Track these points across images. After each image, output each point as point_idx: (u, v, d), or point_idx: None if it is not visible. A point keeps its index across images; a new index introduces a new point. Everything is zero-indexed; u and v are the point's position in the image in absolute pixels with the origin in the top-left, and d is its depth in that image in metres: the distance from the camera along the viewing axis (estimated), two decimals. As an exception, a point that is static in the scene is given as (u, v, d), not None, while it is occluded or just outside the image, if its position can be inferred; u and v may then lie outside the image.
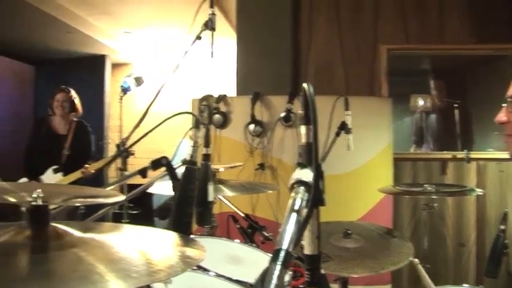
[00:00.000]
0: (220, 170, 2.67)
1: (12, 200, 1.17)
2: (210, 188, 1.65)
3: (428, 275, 2.47)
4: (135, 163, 2.39)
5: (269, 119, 3.84)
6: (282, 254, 0.80)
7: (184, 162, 1.69)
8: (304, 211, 0.93)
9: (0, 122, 7.68)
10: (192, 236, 1.90)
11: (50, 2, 5.70)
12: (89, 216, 1.91)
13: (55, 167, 4.55)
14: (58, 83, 5.34)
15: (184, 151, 1.72)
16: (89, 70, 8.05)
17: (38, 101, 7.86)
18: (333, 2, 4.44)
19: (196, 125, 1.73)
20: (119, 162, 2.37)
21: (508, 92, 1.66)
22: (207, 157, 1.69)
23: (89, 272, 0.92)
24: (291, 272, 1.91)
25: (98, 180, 6.26)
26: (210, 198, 1.65)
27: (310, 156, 1.01)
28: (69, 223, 1.14)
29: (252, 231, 2.64)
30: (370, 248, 2.25)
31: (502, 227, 2.59)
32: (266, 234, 2.62)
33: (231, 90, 4.33)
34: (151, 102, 2.39)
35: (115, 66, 8.54)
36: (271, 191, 3.16)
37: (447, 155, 4.31)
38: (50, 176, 4.52)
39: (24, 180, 4.38)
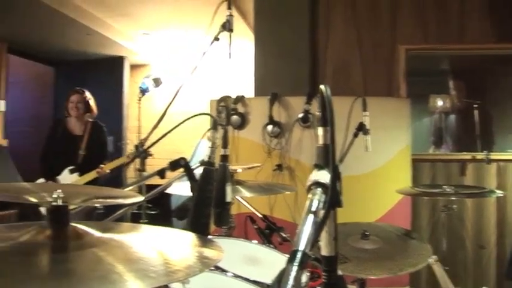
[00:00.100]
0: (238, 170, 2.68)
1: (33, 200, 1.19)
2: (228, 188, 1.65)
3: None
4: (154, 164, 2.41)
5: (287, 120, 3.84)
6: (299, 255, 0.80)
7: (202, 163, 1.70)
8: (321, 212, 0.93)
9: (21, 123, 7.77)
10: (210, 236, 1.91)
11: (69, 4, 5.76)
12: (107, 216, 1.93)
13: (71, 167, 4.61)
14: (77, 84, 5.39)
15: (202, 152, 1.72)
16: (108, 71, 8.12)
17: (58, 102, 7.92)
18: (350, 2, 4.43)
19: (214, 126, 1.74)
20: (137, 162, 2.39)
21: None
22: (225, 158, 1.70)
23: (108, 272, 0.92)
24: (308, 273, 1.91)
25: (116, 180, 6.31)
26: (228, 199, 1.65)
27: (327, 157, 1.01)
28: (89, 223, 1.15)
29: (270, 232, 2.64)
30: (388, 249, 2.24)
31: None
32: (284, 235, 2.61)
33: (249, 91, 4.34)
34: (170, 103, 2.40)
35: (133, 67, 8.60)
36: (289, 192, 3.15)
37: (467, 156, 4.28)
38: (66, 177, 4.57)
39: (41, 180, 4.43)
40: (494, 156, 4.04)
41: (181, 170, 1.77)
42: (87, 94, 4.86)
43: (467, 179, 4.21)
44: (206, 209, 1.60)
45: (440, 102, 4.80)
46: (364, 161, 3.64)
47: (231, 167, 1.80)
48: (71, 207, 1.13)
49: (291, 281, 0.75)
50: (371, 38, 4.40)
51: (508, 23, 4.22)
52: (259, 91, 4.30)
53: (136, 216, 3.61)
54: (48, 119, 7.28)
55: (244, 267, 2.00)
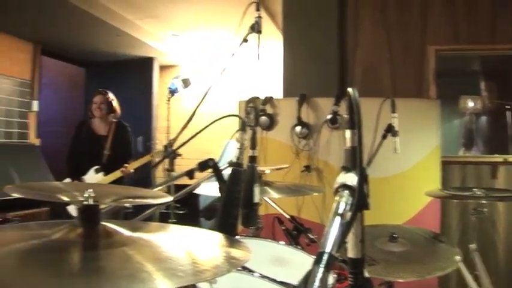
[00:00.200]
0: (266, 171, 2.68)
1: (65, 198, 1.21)
2: (256, 189, 1.66)
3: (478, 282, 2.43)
4: (182, 164, 2.43)
5: (315, 121, 3.83)
6: (325, 256, 0.80)
7: (230, 164, 1.71)
8: (348, 215, 0.93)
9: (53, 123, 7.91)
10: (237, 237, 1.91)
11: (100, 6, 5.85)
12: (136, 215, 1.95)
13: (96, 167, 4.69)
14: (107, 85, 5.47)
15: (231, 152, 1.73)
16: (137, 72, 8.21)
17: (88, 103, 8.05)
18: (379, 3, 4.40)
19: (243, 127, 1.75)
20: (166, 163, 2.41)
21: None
22: (253, 159, 1.71)
23: (137, 271, 0.94)
24: (335, 275, 1.90)
25: (145, 181, 6.38)
26: (256, 199, 1.66)
27: (354, 160, 1.01)
28: (118, 222, 1.17)
29: (297, 233, 2.64)
30: (416, 252, 2.22)
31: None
32: (311, 236, 2.60)
33: (277, 92, 4.34)
34: (199, 104, 2.42)
35: (163, 68, 8.68)
36: (316, 193, 3.15)
37: (498, 158, 4.21)
38: (92, 176, 4.65)
39: (67, 180, 4.51)
40: (527, 158, 3.97)
41: (210, 170, 1.79)
42: (110, 95, 4.93)
43: (499, 182, 4.13)
44: (234, 209, 1.61)
45: (471, 104, 4.73)
46: (393, 163, 3.61)
47: (259, 168, 1.81)
48: (101, 206, 1.15)
49: (317, 283, 0.75)
50: (400, 39, 4.36)
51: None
52: (287, 92, 4.30)
53: (165, 215, 3.64)
54: (79, 119, 7.40)
55: (271, 268, 2.00)
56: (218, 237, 1.29)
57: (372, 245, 2.22)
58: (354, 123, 1.02)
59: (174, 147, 2.35)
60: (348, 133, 1.03)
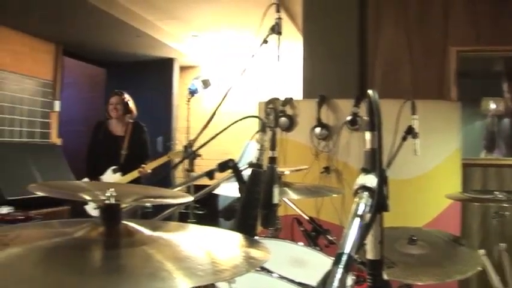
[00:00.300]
0: (285, 172, 2.69)
1: (87, 197, 1.23)
2: (275, 190, 1.66)
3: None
4: (202, 164, 2.45)
5: (335, 122, 3.82)
6: (344, 257, 0.81)
7: (250, 164, 1.71)
8: (368, 216, 0.93)
9: (74, 123, 7.99)
10: (256, 237, 1.92)
11: (120, 7, 5.90)
12: (156, 215, 1.96)
13: (114, 167, 4.73)
14: (127, 85, 5.52)
15: (251, 153, 1.74)
16: (157, 73, 8.26)
17: (108, 103, 8.13)
18: (400, 3, 4.37)
19: (263, 128, 1.75)
20: (186, 163, 2.42)
21: None
22: (273, 160, 1.71)
23: (158, 269, 0.95)
24: (353, 277, 1.90)
25: (165, 181, 6.41)
26: (275, 200, 1.67)
27: (374, 162, 1.01)
28: (139, 221, 1.18)
29: (316, 234, 2.63)
30: (435, 255, 2.20)
31: None
32: (330, 237, 2.60)
33: (297, 93, 4.34)
34: (219, 105, 2.43)
35: (183, 68, 8.72)
36: (336, 195, 3.14)
37: (520, 161, 4.16)
38: (110, 176, 4.70)
39: (85, 180, 4.55)
40: (550, 161, 3.92)
41: (230, 171, 1.80)
42: (126, 96, 4.98)
43: (521, 185, 4.09)
44: (253, 210, 1.62)
45: (493, 105, 4.67)
46: (413, 165, 3.59)
47: (279, 169, 1.81)
48: (123, 205, 1.16)
49: (336, 283, 0.75)
50: (421, 40, 4.32)
51: None
52: (307, 93, 4.30)
53: (184, 216, 3.66)
54: (98, 120, 7.48)
55: (289, 268, 2.01)
56: (237, 237, 1.29)
57: (390, 248, 2.21)
58: (374, 125, 1.02)
59: (195, 148, 2.37)
60: (367, 135, 1.03)
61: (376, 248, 1.02)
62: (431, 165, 3.67)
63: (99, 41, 7.17)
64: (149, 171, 4.69)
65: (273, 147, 1.72)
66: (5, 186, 5.50)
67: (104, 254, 1.04)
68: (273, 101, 3.84)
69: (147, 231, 1.14)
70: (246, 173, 1.75)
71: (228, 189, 2.16)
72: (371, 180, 0.98)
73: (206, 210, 6.21)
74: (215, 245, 1.19)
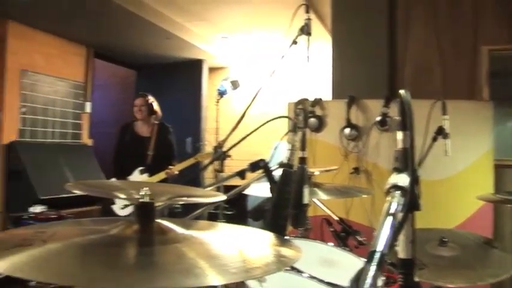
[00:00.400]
0: (315, 173, 2.69)
1: (122, 196, 1.25)
2: (306, 190, 1.67)
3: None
4: (231, 164, 2.46)
5: (364, 123, 3.81)
6: (377, 255, 0.81)
7: (281, 165, 1.72)
8: (400, 215, 0.93)
9: (105, 125, 8.11)
10: (286, 237, 1.93)
11: (150, 10, 5.97)
12: (185, 215, 1.99)
13: (141, 168, 4.79)
14: (157, 87, 5.58)
15: (280, 154, 1.75)
16: (187, 74, 8.33)
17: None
18: (430, 3, 4.32)
19: (294, 128, 1.76)
20: (216, 164, 2.44)
21: None
22: (303, 160, 1.72)
23: (191, 266, 0.97)
24: (384, 278, 1.89)
25: (195, 181, 6.46)
26: (305, 200, 1.67)
27: (406, 161, 1.01)
28: (172, 220, 1.20)
29: (346, 235, 2.63)
30: (467, 257, 2.17)
31: None
32: (360, 238, 2.59)
33: (326, 94, 4.34)
34: (249, 106, 2.44)
35: (212, 70, 8.77)
36: (365, 196, 3.12)
37: (555, 162, 4.08)
38: (137, 177, 4.75)
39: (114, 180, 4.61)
40: None
41: (260, 171, 1.81)
42: (150, 97, 5.04)
43: (555, 187, 4.01)
44: (284, 210, 1.63)
45: (526, 105, 4.60)
46: (444, 166, 3.56)
47: (309, 170, 1.82)
48: (156, 204, 1.18)
49: (369, 280, 0.76)
50: (452, 39, 4.27)
51: None
52: (336, 94, 4.29)
53: (213, 216, 3.68)
54: (125, 121, 7.58)
55: (319, 268, 2.01)
56: (268, 236, 1.31)
57: (421, 249, 2.19)
58: (406, 125, 1.02)
59: (225, 149, 2.38)
60: (399, 134, 1.03)
61: (408, 247, 1.02)
62: (463, 166, 3.63)
63: (129, 43, 7.27)
64: (176, 172, 4.74)
65: (303, 148, 1.73)
66: (38, 186, 5.61)
67: (138, 250, 1.06)
68: (302, 101, 3.84)
69: (180, 230, 1.16)
70: (277, 173, 1.76)
71: (258, 190, 2.17)
72: (403, 180, 0.99)
73: (235, 211, 6.23)
74: (246, 243, 1.20)
